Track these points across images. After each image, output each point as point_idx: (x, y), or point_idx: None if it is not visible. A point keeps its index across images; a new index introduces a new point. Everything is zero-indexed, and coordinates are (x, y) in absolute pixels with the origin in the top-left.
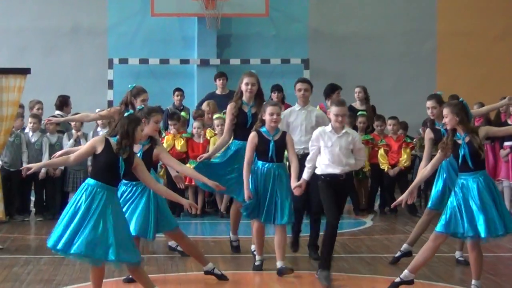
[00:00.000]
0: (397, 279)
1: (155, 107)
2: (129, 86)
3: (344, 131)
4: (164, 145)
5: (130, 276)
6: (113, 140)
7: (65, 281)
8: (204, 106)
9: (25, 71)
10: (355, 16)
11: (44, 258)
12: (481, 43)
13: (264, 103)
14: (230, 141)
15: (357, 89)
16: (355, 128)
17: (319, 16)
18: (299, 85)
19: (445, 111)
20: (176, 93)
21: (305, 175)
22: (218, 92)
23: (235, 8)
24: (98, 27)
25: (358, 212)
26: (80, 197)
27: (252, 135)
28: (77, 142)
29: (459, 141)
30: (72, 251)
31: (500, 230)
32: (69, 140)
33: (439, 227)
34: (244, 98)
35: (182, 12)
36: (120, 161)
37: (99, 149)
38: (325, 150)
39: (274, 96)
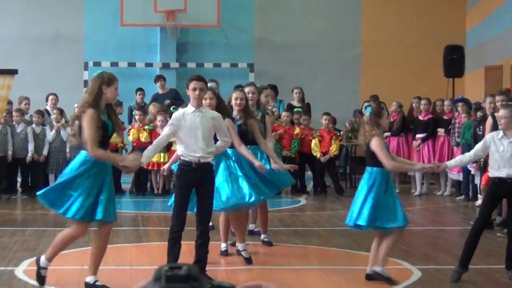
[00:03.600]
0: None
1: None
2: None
3: None
4: (130, 137)
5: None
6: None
7: (46, 249)
8: (151, 107)
9: (13, 72)
10: (292, 27)
11: (29, 230)
12: (398, 51)
13: None
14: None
15: (296, 90)
16: (292, 122)
17: (262, 27)
18: (193, 84)
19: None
20: (139, 92)
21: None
22: (160, 92)
23: (192, 20)
24: (75, 35)
25: (295, 192)
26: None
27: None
28: (58, 133)
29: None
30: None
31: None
32: (51, 131)
33: None
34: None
35: (147, 22)
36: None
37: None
38: (495, 155)
39: None
